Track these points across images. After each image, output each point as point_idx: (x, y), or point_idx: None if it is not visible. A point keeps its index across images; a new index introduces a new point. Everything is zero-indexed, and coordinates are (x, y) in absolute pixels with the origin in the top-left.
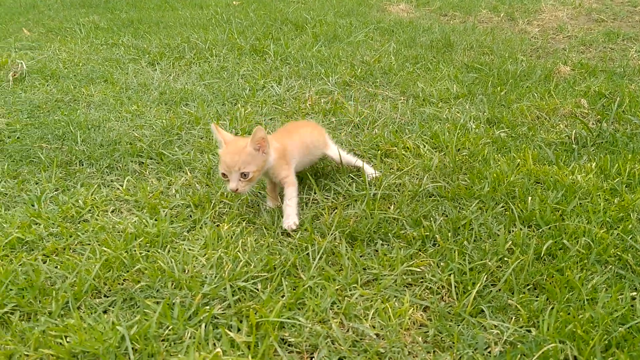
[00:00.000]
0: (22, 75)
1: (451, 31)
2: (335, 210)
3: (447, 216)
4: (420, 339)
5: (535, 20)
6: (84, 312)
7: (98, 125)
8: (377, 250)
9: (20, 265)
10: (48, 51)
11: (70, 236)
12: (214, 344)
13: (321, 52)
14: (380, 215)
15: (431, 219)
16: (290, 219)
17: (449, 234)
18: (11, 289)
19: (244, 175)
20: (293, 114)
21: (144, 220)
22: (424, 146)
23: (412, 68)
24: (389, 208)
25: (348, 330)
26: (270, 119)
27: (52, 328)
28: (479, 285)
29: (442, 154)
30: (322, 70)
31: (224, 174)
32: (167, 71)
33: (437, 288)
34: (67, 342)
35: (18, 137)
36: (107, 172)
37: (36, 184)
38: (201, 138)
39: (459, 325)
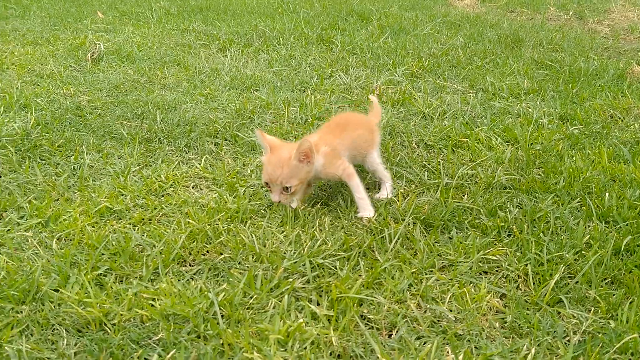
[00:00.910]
0: (99, 56)
1: (519, 27)
2: (408, 198)
3: (521, 208)
4: (497, 324)
5: (605, 20)
6: (172, 279)
7: (174, 106)
8: (451, 238)
9: (111, 232)
10: (122, 34)
11: (155, 208)
12: (296, 315)
13: (388, 44)
14: (454, 204)
15: (506, 210)
16: (367, 211)
17: (525, 226)
18: (103, 254)
19: (286, 189)
20: (361, 103)
21: (223, 197)
22: (496, 139)
23: (481, 62)
24: (462, 197)
25: (425, 312)
26: (339, 107)
27: (144, 291)
28: (557, 275)
29: (515, 147)
30: (389, 61)
31: (266, 183)
32: (236, 57)
33: (514, 277)
34: (159, 304)
35: (99, 114)
36: (185, 150)
37: (119, 158)
38: (272, 122)
39: (536, 313)
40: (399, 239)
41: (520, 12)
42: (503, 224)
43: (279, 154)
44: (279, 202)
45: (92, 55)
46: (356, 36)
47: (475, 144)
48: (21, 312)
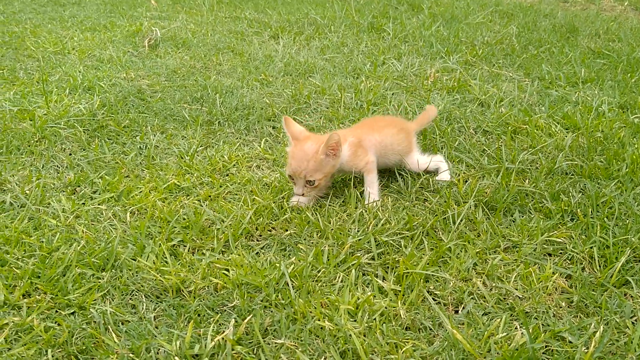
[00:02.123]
0: (156, 42)
1: (574, 17)
2: (469, 181)
3: (584, 193)
4: (563, 303)
5: None
6: (241, 251)
7: (231, 91)
8: (514, 221)
9: (181, 207)
10: (176, 21)
11: (221, 186)
12: (363, 289)
13: (440, 32)
14: (516, 188)
15: (569, 194)
16: (372, 196)
17: (589, 210)
18: (175, 227)
19: (309, 182)
20: (415, 90)
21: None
22: (555, 126)
23: (536, 51)
24: (523, 182)
25: (491, 289)
26: (393, 93)
27: (217, 261)
28: (623, 258)
29: (575, 134)
30: (443, 49)
31: (290, 176)
32: (288, 45)
33: (579, 259)
34: (232, 274)
35: (160, 97)
36: (244, 132)
37: (182, 138)
38: (327, 108)
39: (602, 294)
40: (462, 220)
41: (573, 2)
42: (566, 207)
43: (305, 147)
44: (302, 195)
45: (149, 42)
46: (408, 24)
47: (535, 130)
48: (102, 278)
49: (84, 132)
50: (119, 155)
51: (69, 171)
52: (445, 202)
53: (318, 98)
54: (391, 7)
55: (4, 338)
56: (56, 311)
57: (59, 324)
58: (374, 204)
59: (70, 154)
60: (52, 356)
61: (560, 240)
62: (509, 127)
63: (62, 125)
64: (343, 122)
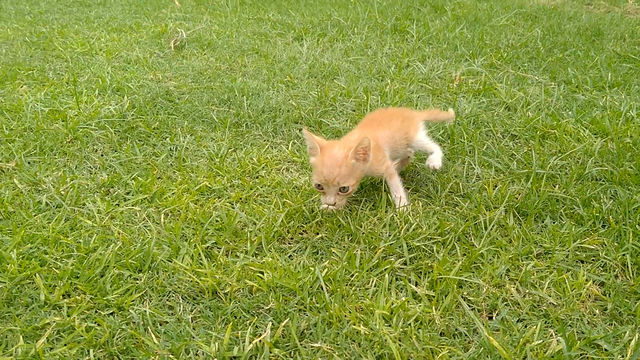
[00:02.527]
0: (181, 44)
1: (598, 20)
2: (498, 187)
3: (615, 200)
4: (597, 311)
5: None
6: (274, 254)
7: (257, 93)
8: (545, 227)
9: (214, 209)
10: (201, 23)
11: (251, 188)
12: (397, 294)
13: (464, 34)
14: (547, 194)
15: (600, 201)
16: (402, 201)
17: (620, 217)
18: (208, 229)
19: (343, 189)
20: (441, 92)
21: None
22: (584, 131)
23: (561, 54)
24: (553, 187)
25: (525, 296)
26: (418, 96)
27: (251, 264)
28: None
29: (604, 140)
30: (467, 52)
31: (319, 185)
32: (312, 47)
33: (612, 266)
34: (266, 277)
35: (187, 99)
36: (272, 135)
37: (211, 140)
38: (353, 110)
39: (636, 302)
40: (493, 226)
41: (597, 4)
42: (598, 214)
43: (333, 153)
44: (334, 204)
45: (175, 43)
46: (431, 26)
47: (564, 135)
48: (139, 279)
49: (115, 133)
50: (150, 156)
51: (102, 172)
52: (475, 207)
53: (344, 100)
54: (414, 9)
55: (46, 338)
56: (96, 311)
57: (99, 324)
58: (405, 208)
59: (102, 155)
60: (94, 356)
61: (592, 247)
62: (537, 132)
63: (93, 126)
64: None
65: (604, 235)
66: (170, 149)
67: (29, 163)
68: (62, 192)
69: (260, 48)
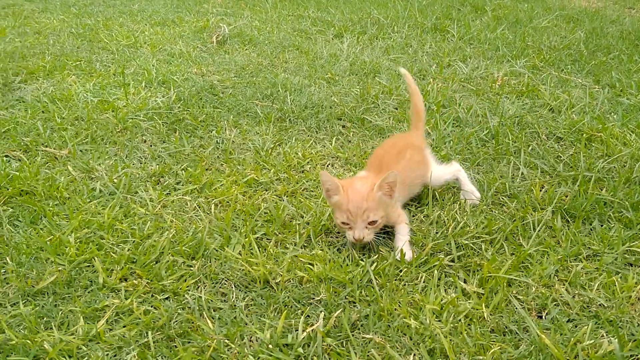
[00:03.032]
0: (223, 39)
1: None
2: (544, 188)
3: None
4: None
5: None
6: (322, 247)
7: (300, 89)
8: (593, 229)
9: (263, 200)
10: (242, 18)
11: (297, 182)
12: (445, 290)
13: (505, 35)
14: (594, 197)
15: None
16: (407, 248)
17: None
18: (257, 220)
19: (372, 223)
20: (483, 93)
21: None
22: (630, 135)
23: (605, 58)
24: (600, 190)
25: (574, 297)
26: (461, 96)
27: (301, 255)
28: None
29: None
30: (509, 53)
31: (345, 223)
32: (352, 44)
33: None
34: (316, 268)
35: (231, 93)
36: (315, 130)
37: (256, 134)
38: (395, 108)
39: None
40: (541, 226)
41: (639, 9)
42: None
43: (358, 187)
44: (363, 239)
45: (217, 38)
46: (472, 26)
47: (610, 139)
48: (193, 266)
49: (163, 125)
50: (197, 148)
51: (151, 162)
52: (523, 207)
53: (385, 98)
54: (454, 9)
55: (106, 319)
56: (152, 295)
57: (156, 308)
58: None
59: (151, 146)
60: (152, 338)
61: None
62: (583, 135)
63: (142, 117)
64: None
65: None
66: (217, 141)
67: (81, 151)
68: (115, 180)
69: (301, 45)
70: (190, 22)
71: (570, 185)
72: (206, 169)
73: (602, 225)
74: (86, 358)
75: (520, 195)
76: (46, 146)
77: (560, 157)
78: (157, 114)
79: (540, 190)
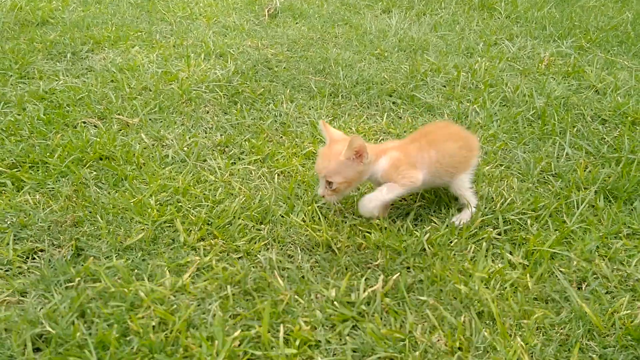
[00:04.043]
0: (275, 12)
1: None
2: (588, 168)
3: None
4: None
5: None
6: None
7: (350, 64)
8: (634, 209)
9: None
10: None
11: None
12: (492, 260)
13: (552, 14)
14: (637, 178)
15: None
16: (371, 205)
17: None
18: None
19: (329, 184)
20: (530, 73)
21: None
22: None
23: None
24: None
25: (613, 271)
26: (508, 74)
27: (359, 224)
28: None
29: None
30: (555, 32)
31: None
32: (400, 20)
33: None
34: (373, 236)
35: (285, 67)
36: (366, 106)
37: (310, 109)
38: (444, 86)
39: None
40: (584, 205)
41: None
42: None
43: (332, 148)
44: (323, 197)
45: (269, 11)
46: (519, 4)
47: None
48: (262, 230)
49: (224, 96)
50: (257, 120)
51: (215, 132)
52: (567, 186)
53: (434, 76)
54: None
55: (189, 274)
56: (227, 254)
57: (232, 265)
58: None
59: (214, 117)
60: (231, 292)
61: None
62: (628, 118)
63: (204, 89)
64: (461, 100)
65: None
66: (275, 114)
67: (151, 120)
68: (185, 149)
69: (350, 19)
70: None
71: (614, 166)
72: (268, 141)
73: None
74: (175, 306)
75: (565, 175)
76: (119, 114)
77: (605, 138)
78: (217, 86)
79: (585, 171)
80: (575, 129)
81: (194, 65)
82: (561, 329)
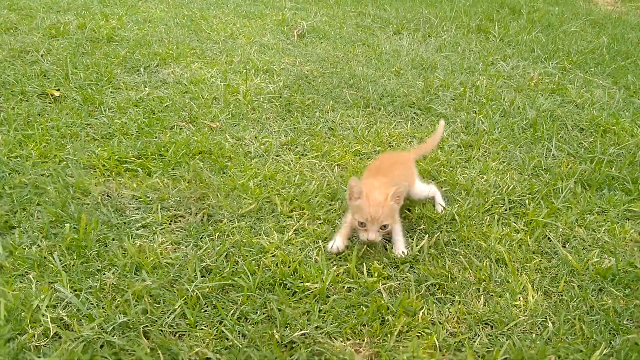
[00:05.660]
0: (302, 33)
1: None
2: (569, 166)
3: None
4: (636, 248)
5: None
6: None
7: (374, 80)
8: (603, 195)
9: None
10: (316, 14)
11: None
12: (502, 227)
13: (539, 38)
14: (606, 173)
15: None
16: (401, 245)
17: None
18: None
19: (384, 227)
20: (523, 89)
21: (435, 151)
22: (637, 129)
23: (624, 62)
24: (611, 169)
25: (587, 235)
26: (504, 91)
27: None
28: None
29: None
30: (542, 55)
31: (362, 223)
32: (410, 41)
33: None
34: (417, 210)
35: (321, 82)
36: (393, 115)
37: (349, 117)
38: (453, 99)
39: None
40: (567, 191)
41: None
42: None
43: (376, 197)
44: (374, 241)
45: (298, 32)
46: (510, 28)
47: (621, 131)
48: (333, 204)
49: (279, 106)
50: (310, 126)
51: (280, 134)
52: (553, 178)
53: (444, 91)
54: (494, 10)
55: (291, 232)
56: (313, 220)
57: (319, 227)
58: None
59: (275, 122)
60: (322, 245)
61: (636, 209)
62: (600, 127)
63: (261, 100)
64: (468, 112)
65: None
66: (323, 121)
67: (229, 124)
68: (262, 146)
69: (367, 40)
70: (270, 15)
71: (589, 164)
72: (324, 141)
73: (609, 192)
74: (286, 252)
75: (552, 170)
76: (202, 119)
77: (582, 143)
78: (273, 97)
79: (567, 167)
80: (560, 135)
81: (248, 79)
82: (552, 270)
